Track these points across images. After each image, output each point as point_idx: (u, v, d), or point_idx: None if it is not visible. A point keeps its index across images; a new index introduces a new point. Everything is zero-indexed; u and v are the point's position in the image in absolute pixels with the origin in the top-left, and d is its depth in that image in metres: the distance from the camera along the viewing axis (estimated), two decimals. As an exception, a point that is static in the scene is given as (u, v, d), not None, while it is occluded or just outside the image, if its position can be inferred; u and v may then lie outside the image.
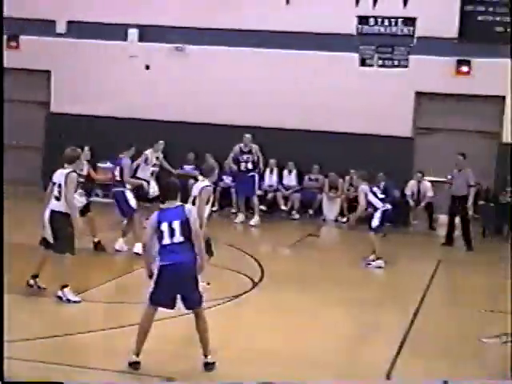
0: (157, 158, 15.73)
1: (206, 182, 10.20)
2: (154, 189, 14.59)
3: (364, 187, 13.06)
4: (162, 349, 7.94)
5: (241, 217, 16.67)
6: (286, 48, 18.23)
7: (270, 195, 18.25)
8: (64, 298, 9.50)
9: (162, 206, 7.55)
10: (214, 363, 7.42)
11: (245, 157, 16.68)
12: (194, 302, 7.39)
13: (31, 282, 9.88)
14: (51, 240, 9.61)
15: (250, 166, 16.69)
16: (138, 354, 7.35)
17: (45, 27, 19.43)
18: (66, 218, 9.54)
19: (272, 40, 18.27)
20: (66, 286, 9.52)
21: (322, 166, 18.21)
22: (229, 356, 7.90)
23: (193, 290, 7.35)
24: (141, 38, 19.17)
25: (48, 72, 19.74)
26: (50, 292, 9.77)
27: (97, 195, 19.06)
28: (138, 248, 12.01)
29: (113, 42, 19.13)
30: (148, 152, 15.36)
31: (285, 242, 15.07)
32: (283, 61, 18.36)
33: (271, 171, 18.40)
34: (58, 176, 9.65)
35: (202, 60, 18.83)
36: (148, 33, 19.05)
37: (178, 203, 7.52)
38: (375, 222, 13.01)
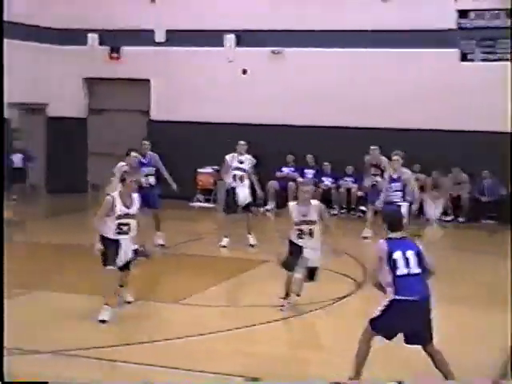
0: (240, 161, 13.90)
1: None
2: (241, 196, 13.63)
3: None
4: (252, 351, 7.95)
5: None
6: (387, 47, 17.97)
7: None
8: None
9: (389, 235, 7.02)
10: None
11: (373, 169, 15.65)
12: (420, 340, 6.87)
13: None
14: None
15: (378, 178, 15.36)
16: (356, 377, 6.94)
17: (144, 37, 19.83)
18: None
19: (372, 39, 18.05)
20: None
21: (423, 165, 17.86)
22: (329, 358, 7.88)
23: (425, 327, 6.83)
24: (238, 43, 19.33)
25: (148, 81, 20.14)
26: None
27: (198, 200, 19.32)
28: None
29: (211, 49, 19.34)
30: (228, 156, 13.98)
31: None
32: (384, 60, 18.12)
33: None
34: None
35: (300, 62, 18.78)
36: (245, 37, 19.18)
37: (404, 234, 7.02)
38: None
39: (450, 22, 17.48)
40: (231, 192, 13.67)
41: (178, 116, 19.56)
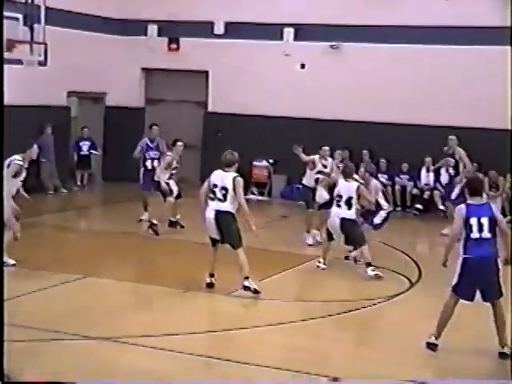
0: (324, 166, 13.82)
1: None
2: (320, 196, 13.23)
3: None
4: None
5: None
6: (446, 44, 17.71)
7: (426, 194, 17.85)
8: (252, 288, 9.83)
9: (469, 201, 8.01)
10: (508, 355, 7.80)
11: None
12: (493, 295, 7.88)
13: (209, 280, 10.14)
14: (218, 236, 10.01)
15: (451, 170, 15.32)
16: (437, 338, 8.01)
17: (203, 29, 19.90)
18: (233, 217, 9.94)
19: (431, 36, 17.81)
20: (248, 278, 9.89)
21: (481, 164, 17.56)
22: (376, 356, 7.87)
23: (494, 283, 7.82)
24: (296, 37, 19.27)
25: (206, 72, 20.21)
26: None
27: (252, 193, 19.34)
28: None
29: (269, 42, 19.32)
30: (316, 157, 13.82)
31: (442, 242, 14.64)
32: (444, 57, 17.87)
33: (427, 169, 17.98)
34: (221, 178, 9.95)
35: (358, 58, 18.62)
36: (303, 31, 19.10)
37: (484, 200, 8.12)
38: None
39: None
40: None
41: (234, 108, 19.58)
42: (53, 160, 18.09)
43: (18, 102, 16.42)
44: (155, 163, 14.43)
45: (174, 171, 14.20)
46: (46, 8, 14.56)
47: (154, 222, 13.65)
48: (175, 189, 14.07)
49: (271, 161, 19.55)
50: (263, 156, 19.41)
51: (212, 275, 10.12)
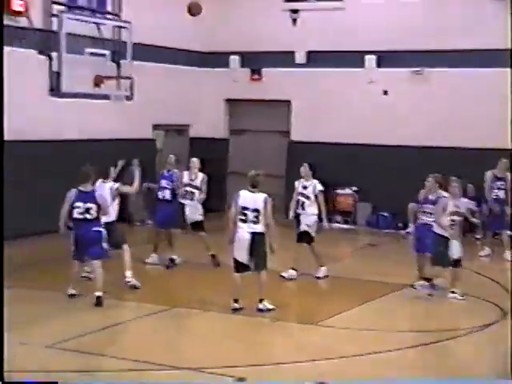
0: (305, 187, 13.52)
1: None
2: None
3: None
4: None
5: (486, 250, 15.57)
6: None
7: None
8: (265, 309, 10.12)
9: None
10: None
11: (498, 183, 15.27)
12: None
13: (236, 305, 10.30)
14: (246, 261, 10.17)
15: (501, 194, 15.22)
16: None
17: (285, 58, 20.01)
18: (264, 238, 10.19)
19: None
20: (263, 300, 10.17)
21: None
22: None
23: None
24: (379, 64, 19.16)
25: (288, 102, 20.28)
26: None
27: (336, 222, 19.16)
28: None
29: (351, 70, 19.26)
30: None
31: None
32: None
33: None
34: (251, 200, 10.15)
35: (442, 83, 18.39)
36: (386, 58, 18.97)
37: None
38: None
39: None
40: None
41: (318, 137, 19.56)
42: (140, 192, 18.36)
43: (105, 135, 16.88)
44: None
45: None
46: (133, 44, 14.93)
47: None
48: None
49: (355, 188, 19.40)
50: (347, 184, 19.27)
51: (236, 301, 10.25)
